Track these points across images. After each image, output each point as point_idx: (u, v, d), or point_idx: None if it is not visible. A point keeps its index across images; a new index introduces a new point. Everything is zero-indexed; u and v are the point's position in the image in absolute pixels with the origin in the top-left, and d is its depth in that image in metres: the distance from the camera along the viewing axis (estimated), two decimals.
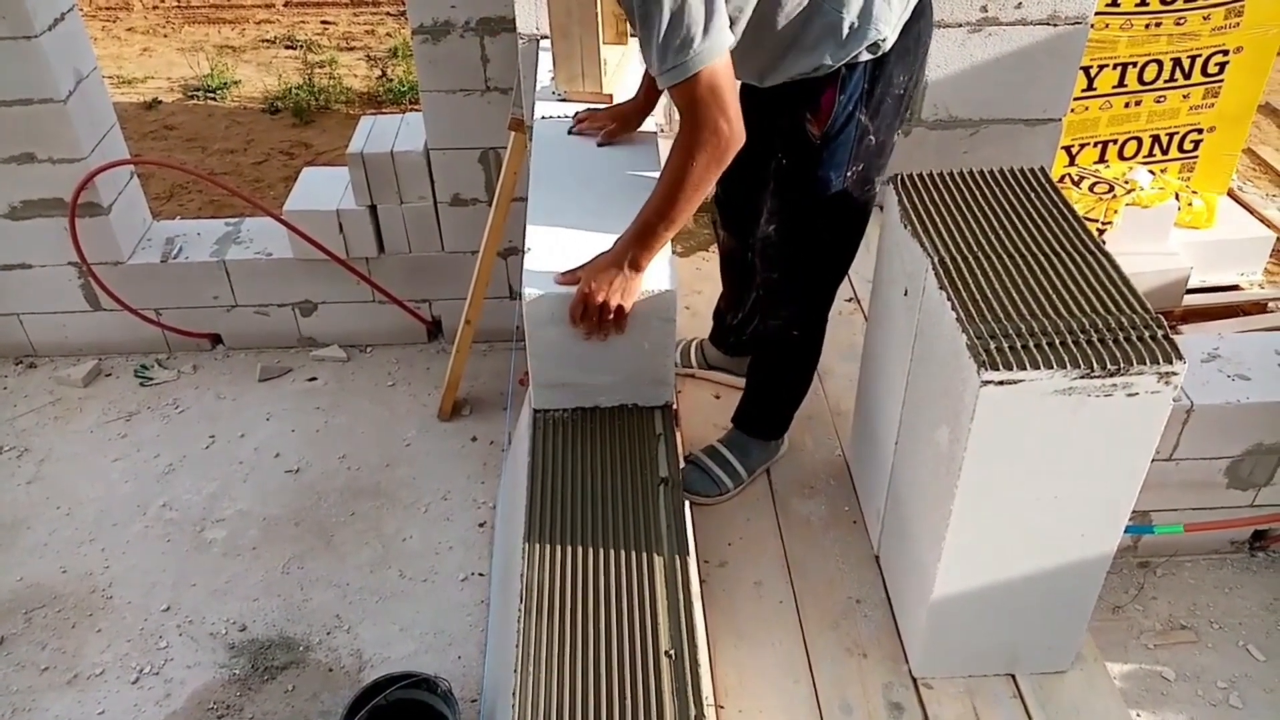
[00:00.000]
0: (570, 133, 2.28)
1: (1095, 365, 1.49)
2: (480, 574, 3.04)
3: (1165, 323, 1.56)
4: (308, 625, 2.90)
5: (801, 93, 1.84)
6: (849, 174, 1.89)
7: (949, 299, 1.61)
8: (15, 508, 3.30)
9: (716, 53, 1.64)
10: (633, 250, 1.82)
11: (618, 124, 2.27)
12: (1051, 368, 1.49)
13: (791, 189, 1.94)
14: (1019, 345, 1.52)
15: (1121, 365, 1.49)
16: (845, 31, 1.76)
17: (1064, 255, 1.72)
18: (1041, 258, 1.72)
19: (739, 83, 1.93)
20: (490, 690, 2.58)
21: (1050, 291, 1.64)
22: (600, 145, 2.24)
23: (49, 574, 3.07)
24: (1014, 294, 1.64)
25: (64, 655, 2.83)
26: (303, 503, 3.30)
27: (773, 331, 2.16)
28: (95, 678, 2.77)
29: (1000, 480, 1.61)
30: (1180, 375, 1.50)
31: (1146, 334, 1.54)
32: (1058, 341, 1.53)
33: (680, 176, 1.74)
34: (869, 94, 1.83)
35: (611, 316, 1.82)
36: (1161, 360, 1.49)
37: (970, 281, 1.65)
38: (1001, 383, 1.48)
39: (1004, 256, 1.72)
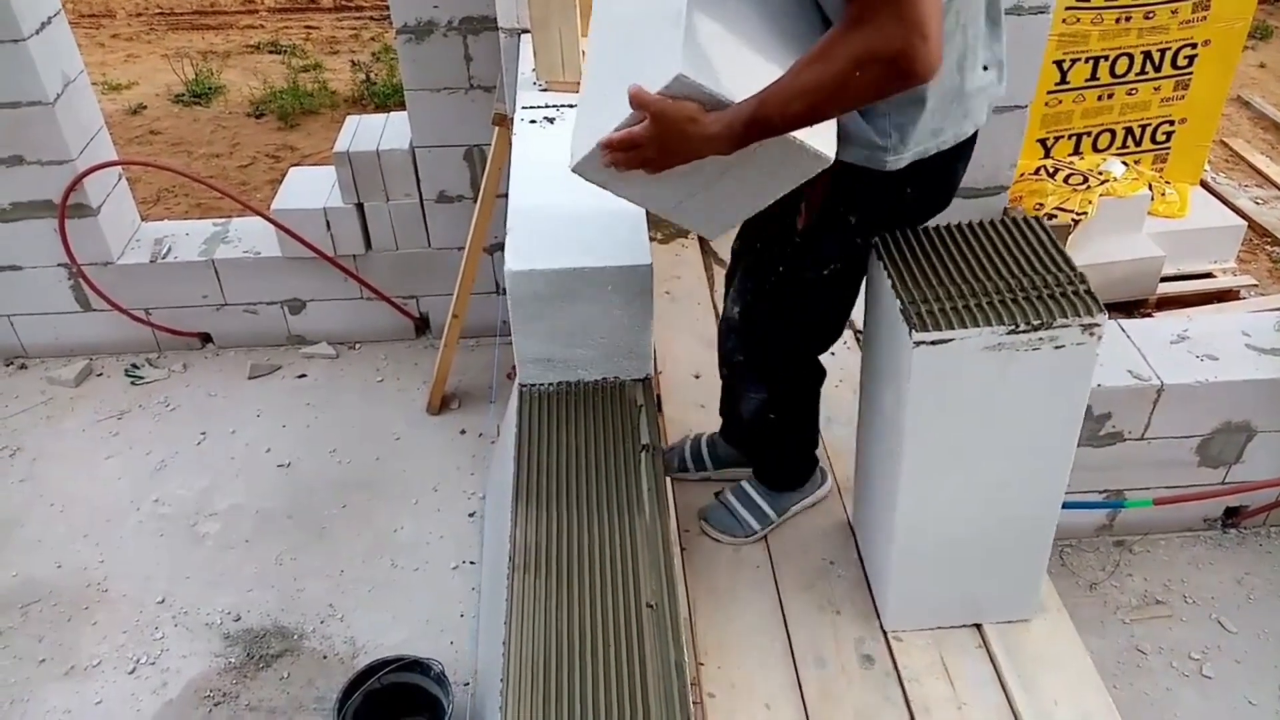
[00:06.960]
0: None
1: (1020, 321, 1.57)
2: (471, 562, 3.08)
3: (1087, 278, 1.63)
4: (301, 614, 2.94)
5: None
6: (826, 272, 1.80)
7: (885, 269, 1.69)
8: (9, 506, 3.33)
9: None
10: (737, 121, 1.35)
11: None
12: (979, 326, 1.57)
13: (760, 273, 1.85)
14: (949, 307, 1.60)
15: (1044, 320, 1.57)
16: (869, 139, 1.55)
17: (992, 221, 1.80)
18: (971, 225, 1.80)
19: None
20: (483, 671, 2.62)
21: (980, 255, 1.72)
22: None
23: (44, 570, 3.10)
24: (945, 261, 1.71)
25: (61, 648, 2.86)
26: (295, 496, 3.33)
27: (750, 413, 2.08)
28: (92, 669, 2.80)
29: (943, 436, 1.69)
30: (1102, 326, 1.58)
31: (1070, 290, 1.62)
32: (984, 302, 1.61)
33: (825, 77, 1.27)
34: (868, 202, 1.69)
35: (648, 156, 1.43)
36: (1083, 313, 1.57)
37: (906, 252, 1.73)
38: (934, 343, 1.56)
39: (935, 225, 1.80)
